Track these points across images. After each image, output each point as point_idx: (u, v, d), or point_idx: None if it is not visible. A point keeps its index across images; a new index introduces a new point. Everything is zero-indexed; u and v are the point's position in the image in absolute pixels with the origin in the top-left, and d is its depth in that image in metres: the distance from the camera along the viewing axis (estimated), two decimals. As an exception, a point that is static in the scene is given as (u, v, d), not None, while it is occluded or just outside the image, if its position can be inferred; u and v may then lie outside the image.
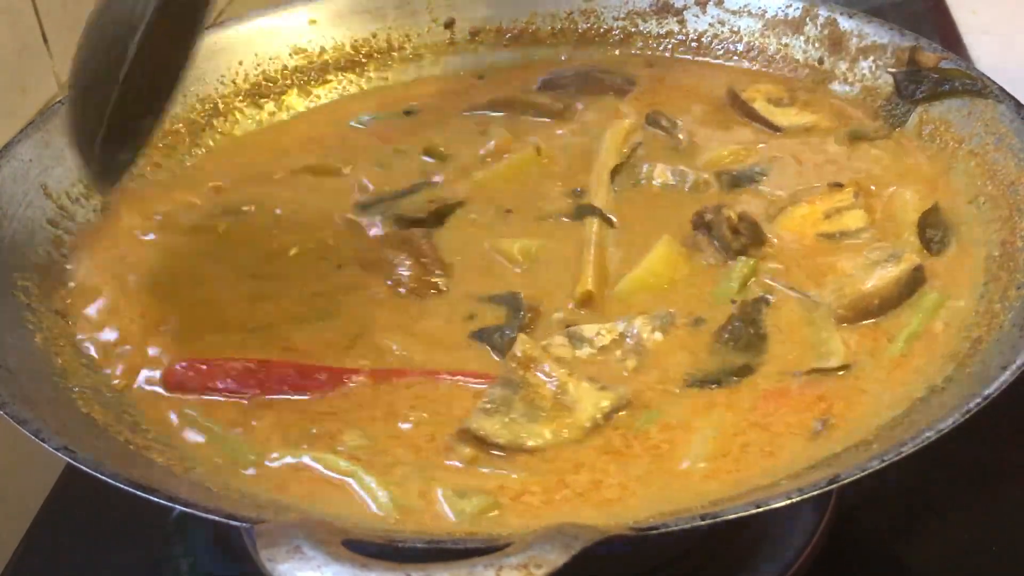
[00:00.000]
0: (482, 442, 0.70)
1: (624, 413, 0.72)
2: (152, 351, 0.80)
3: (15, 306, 0.79)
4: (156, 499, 0.62)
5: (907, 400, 0.71)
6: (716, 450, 0.70)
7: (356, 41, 1.11)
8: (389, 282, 0.85)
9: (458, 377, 0.76)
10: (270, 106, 1.07)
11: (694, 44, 1.11)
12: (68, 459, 0.64)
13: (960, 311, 0.78)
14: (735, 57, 1.09)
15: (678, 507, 0.65)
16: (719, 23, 1.10)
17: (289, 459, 0.71)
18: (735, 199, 0.91)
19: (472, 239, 0.89)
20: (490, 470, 0.69)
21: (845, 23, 1.04)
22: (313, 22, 1.10)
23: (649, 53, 1.12)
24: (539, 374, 0.74)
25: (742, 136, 1.00)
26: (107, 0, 0.77)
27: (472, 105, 1.07)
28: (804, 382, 0.74)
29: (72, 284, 0.85)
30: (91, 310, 0.83)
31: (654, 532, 0.59)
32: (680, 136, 0.99)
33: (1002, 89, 0.91)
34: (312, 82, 1.09)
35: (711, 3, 1.10)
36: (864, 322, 0.79)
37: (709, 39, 1.11)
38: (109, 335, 0.81)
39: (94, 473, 0.63)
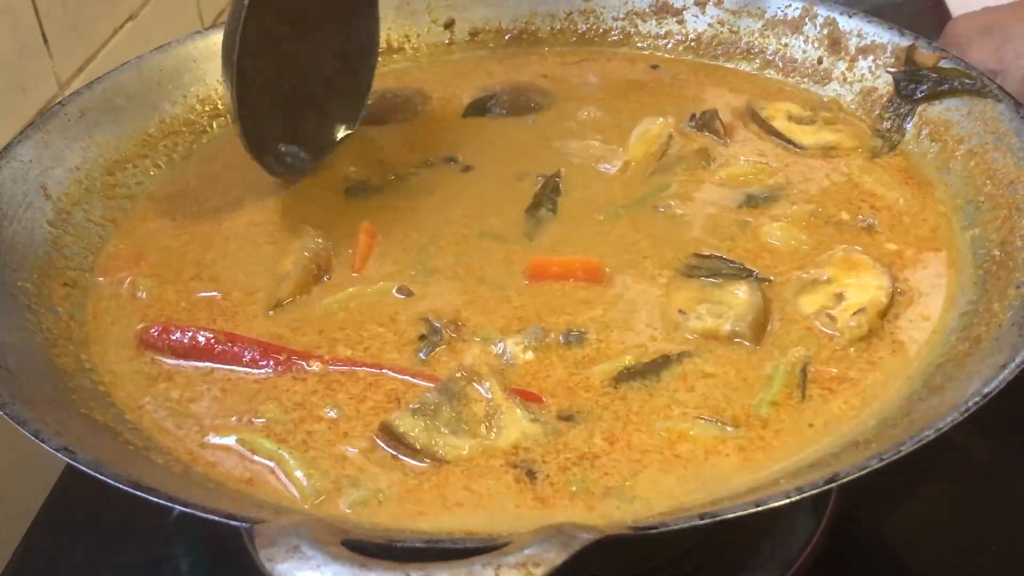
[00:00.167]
0: (398, 440, 0.70)
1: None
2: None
3: (15, 306, 0.79)
4: (156, 499, 0.62)
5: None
6: None
7: (356, 41, 1.11)
8: None
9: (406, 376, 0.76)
10: (270, 106, 1.07)
11: (693, 44, 1.11)
12: (68, 459, 0.64)
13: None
14: (735, 58, 1.09)
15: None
16: (719, 23, 1.10)
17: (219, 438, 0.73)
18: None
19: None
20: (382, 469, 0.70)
21: (844, 23, 1.04)
22: (313, 22, 1.10)
23: (647, 53, 1.12)
24: (480, 389, 0.73)
25: (764, 148, 0.98)
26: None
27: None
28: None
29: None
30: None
31: (653, 532, 0.60)
32: (727, 142, 0.98)
33: (1001, 88, 0.91)
34: (312, 82, 1.09)
35: (711, 3, 1.10)
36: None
37: (709, 39, 1.11)
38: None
39: (94, 474, 0.63)
